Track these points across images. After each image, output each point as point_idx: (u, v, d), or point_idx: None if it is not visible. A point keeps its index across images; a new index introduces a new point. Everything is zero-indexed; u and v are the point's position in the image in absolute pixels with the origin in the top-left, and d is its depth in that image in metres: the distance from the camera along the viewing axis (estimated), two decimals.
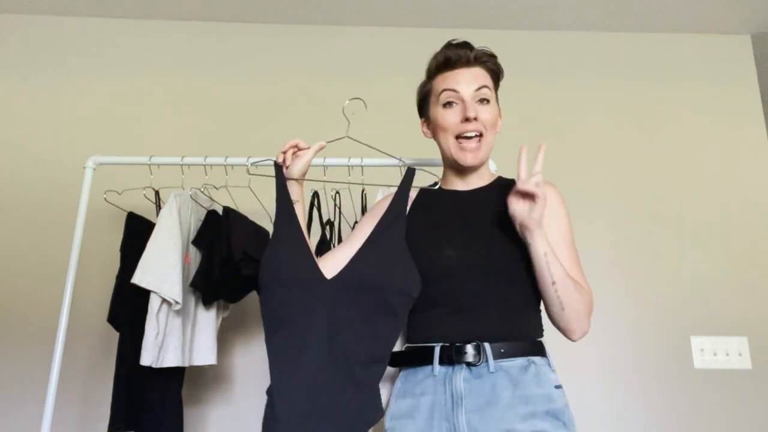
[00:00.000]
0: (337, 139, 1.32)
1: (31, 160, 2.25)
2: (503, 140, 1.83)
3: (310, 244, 1.16)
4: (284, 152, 1.20)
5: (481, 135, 1.15)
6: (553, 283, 1.05)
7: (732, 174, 2.32)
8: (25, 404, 1.97)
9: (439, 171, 1.31)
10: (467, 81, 1.15)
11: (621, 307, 2.16)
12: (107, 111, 2.33)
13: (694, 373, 2.08)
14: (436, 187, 1.26)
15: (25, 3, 2.37)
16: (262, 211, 1.79)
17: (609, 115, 2.41)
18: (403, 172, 1.28)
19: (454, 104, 1.15)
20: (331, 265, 1.12)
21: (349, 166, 1.66)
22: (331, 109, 2.39)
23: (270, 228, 1.81)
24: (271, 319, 1.10)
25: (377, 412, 1.07)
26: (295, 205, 1.18)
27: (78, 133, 2.30)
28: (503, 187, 1.21)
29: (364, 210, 1.86)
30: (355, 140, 1.37)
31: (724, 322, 2.14)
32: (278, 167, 1.21)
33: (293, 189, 1.20)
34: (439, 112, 1.17)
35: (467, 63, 1.16)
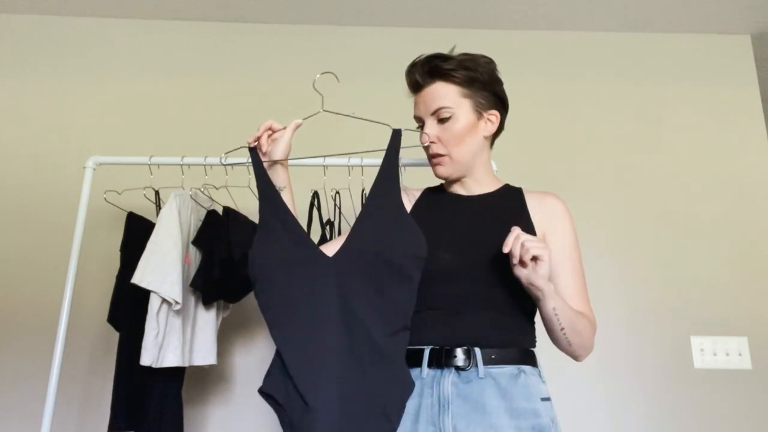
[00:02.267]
0: (312, 115, 1.27)
1: (31, 160, 2.25)
2: (503, 140, 1.83)
3: (302, 226, 1.11)
4: (258, 137, 1.15)
5: (445, 154, 1.15)
6: (562, 329, 1.04)
7: (732, 174, 2.32)
8: (25, 404, 1.97)
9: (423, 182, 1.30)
10: (423, 106, 1.16)
11: (621, 307, 2.16)
12: (107, 111, 2.33)
13: (694, 373, 2.08)
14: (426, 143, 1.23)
15: (25, 3, 2.37)
16: None
17: (609, 115, 2.41)
18: (425, 187, 1.26)
19: (422, 127, 1.18)
20: (332, 249, 1.09)
21: (349, 166, 1.66)
22: (331, 108, 2.39)
23: None
24: (273, 310, 1.02)
25: (410, 386, 1.01)
26: (282, 192, 1.12)
27: (78, 133, 2.30)
28: (509, 194, 1.20)
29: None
30: (331, 112, 1.32)
31: (724, 322, 2.14)
32: (253, 153, 1.14)
33: (279, 174, 1.14)
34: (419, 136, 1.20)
35: (422, 85, 1.16)
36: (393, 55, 2.45)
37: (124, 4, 2.37)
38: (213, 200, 1.81)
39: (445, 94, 1.14)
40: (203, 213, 1.75)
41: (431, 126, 1.15)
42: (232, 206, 1.77)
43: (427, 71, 1.15)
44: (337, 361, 0.98)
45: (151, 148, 2.13)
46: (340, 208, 1.81)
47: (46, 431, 1.47)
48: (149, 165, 1.67)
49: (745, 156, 2.34)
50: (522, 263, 0.99)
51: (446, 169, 1.16)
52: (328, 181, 1.69)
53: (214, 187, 1.78)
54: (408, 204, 1.23)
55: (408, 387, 1.02)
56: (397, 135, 1.17)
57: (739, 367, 2.09)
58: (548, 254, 0.98)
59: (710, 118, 2.40)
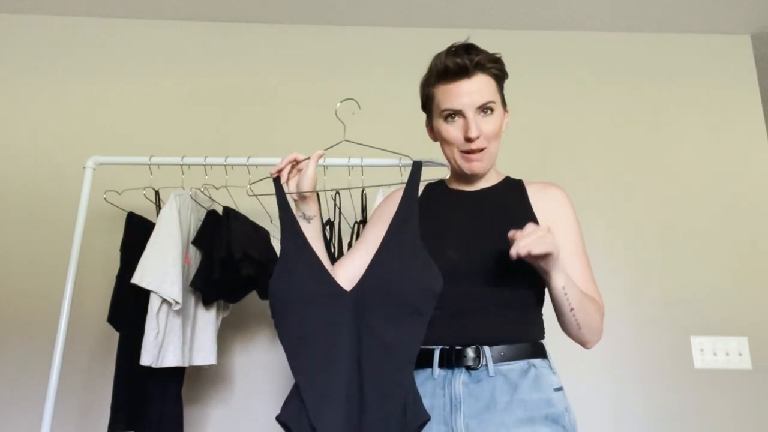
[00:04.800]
0: (334, 145, 1.29)
1: (31, 160, 2.25)
2: (502, 140, 1.82)
3: (323, 259, 1.12)
4: (281, 169, 1.15)
5: (485, 148, 1.14)
6: (572, 309, 1.04)
7: (732, 174, 2.32)
8: (25, 404, 1.97)
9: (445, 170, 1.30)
10: (469, 96, 1.11)
11: (621, 307, 2.16)
12: (107, 111, 2.33)
13: (694, 373, 2.08)
14: (447, 177, 1.22)
15: (25, 3, 2.37)
16: (262, 211, 1.79)
17: (609, 115, 2.40)
18: (404, 171, 1.26)
19: (456, 118, 1.13)
20: (347, 274, 1.11)
21: (349, 166, 1.66)
22: (332, 108, 2.39)
23: (270, 228, 1.81)
24: (291, 340, 1.06)
25: (421, 415, 1.02)
26: (312, 221, 1.13)
27: (78, 133, 2.30)
28: (510, 187, 1.20)
29: (364, 210, 1.86)
30: (353, 142, 1.33)
31: (724, 322, 2.14)
32: (277, 183, 1.15)
33: (310, 205, 1.14)
34: (441, 126, 1.15)
35: (467, 74, 1.12)
36: (393, 55, 2.45)
37: (124, 4, 2.37)
38: (213, 200, 1.81)
39: (488, 86, 1.13)
40: (203, 213, 1.75)
41: (476, 119, 1.11)
42: (232, 206, 1.77)
43: (474, 62, 1.11)
44: (345, 393, 1.01)
45: (151, 148, 2.13)
46: (340, 208, 1.81)
47: (46, 430, 1.47)
48: (149, 165, 1.67)
49: (746, 156, 2.34)
50: (534, 258, 0.98)
51: (483, 165, 1.15)
52: (328, 181, 1.69)
53: (214, 187, 1.78)
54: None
55: (422, 415, 1.01)
56: (417, 168, 1.17)
57: (739, 367, 2.09)
58: (556, 248, 0.97)
59: (710, 118, 2.40)
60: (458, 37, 1.21)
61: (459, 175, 1.21)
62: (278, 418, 1.04)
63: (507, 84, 1.20)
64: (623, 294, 2.17)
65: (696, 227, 2.25)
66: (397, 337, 1.04)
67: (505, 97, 1.19)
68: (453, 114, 1.13)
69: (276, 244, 1.78)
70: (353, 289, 1.07)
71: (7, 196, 2.21)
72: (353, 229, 1.80)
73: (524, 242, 0.95)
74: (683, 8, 2.36)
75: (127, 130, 2.31)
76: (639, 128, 2.39)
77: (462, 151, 1.15)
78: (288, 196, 1.14)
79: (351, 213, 1.87)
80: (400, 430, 1.00)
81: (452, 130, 1.14)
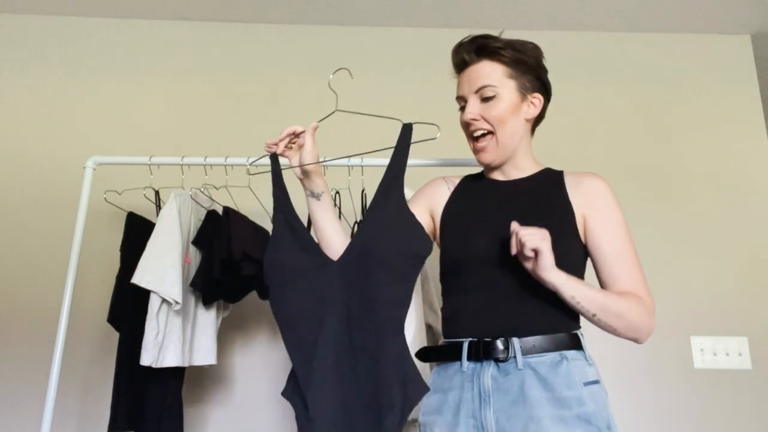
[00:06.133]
0: (328, 116, 1.26)
1: (31, 160, 2.25)
2: None
3: (339, 234, 1.10)
4: (279, 142, 1.14)
5: (490, 132, 1.13)
6: (594, 315, 1.02)
7: (732, 174, 2.32)
8: (25, 404, 1.97)
9: (463, 170, 1.33)
10: (468, 83, 1.15)
11: None
12: (107, 111, 2.33)
13: (694, 373, 2.08)
14: (437, 136, 1.22)
15: (25, 3, 2.37)
16: (262, 211, 1.79)
17: (608, 115, 2.40)
18: (464, 174, 1.26)
19: (464, 107, 1.17)
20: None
21: (349, 166, 1.66)
22: (331, 108, 2.39)
23: (270, 228, 1.81)
24: (284, 317, 1.05)
25: (419, 388, 0.99)
26: (321, 197, 1.12)
27: (78, 133, 2.29)
28: (548, 177, 1.19)
29: (364, 210, 1.86)
30: (346, 111, 1.30)
31: (724, 322, 2.14)
32: (274, 159, 1.14)
33: (315, 181, 1.13)
34: (460, 117, 1.19)
35: (468, 63, 1.15)
36: (393, 55, 2.45)
37: (124, 4, 2.37)
38: (213, 200, 1.81)
39: (490, 72, 1.13)
40: (203, 213, 1.75)
41: (474, 104, 1.13)
42: (232, 206, 1.77)
43: (474, 49, 1.14)
44: (337, 368, 0.99)
45: (151, 148, 2.13)
46: (340, 208, 1.81)
47: (46, 431, 1.47)
48: (149, 165, 1.67)
49: (746, 156, 2.34)
50: (525, 257, 0.99)
51: (489, 155, 1.15)
52: (328, 181, 1.68)
53: (214, 187, 1.78)
54: (447, 192, 1.23)
55: (417, 387, 0.99)
56: (407, 130, 1.14)
57: (739, 367, 2.09)
58: (547, 245, 0.97)
59: (710, 118, 2.39)
60: (458, 37, 1.21)
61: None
62: (282, 394, 1.04)
63: None
64: None
65: (696, 227, 2.25)
66: (382, 304, 1.01)
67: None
68: (461, 104, 1.16)
69: None
70: (340, 259, 1.06)
71: (7, 196, 2.21)
72: (353, 229, 1.80)
73: (520, 230, 0.97)
74: (683, 8, 2.36)
75: (127, 130, 2.31)
76: (638, 128, 2.39)
77: (470, 140, 1.17)
78: (293, 175, 1.13)
79: (351, 213, 1.86)
80: (400, 404, 0.97)
81: (461, 120, 1.17)
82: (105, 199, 1.83)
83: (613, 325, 1.03)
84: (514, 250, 0.99)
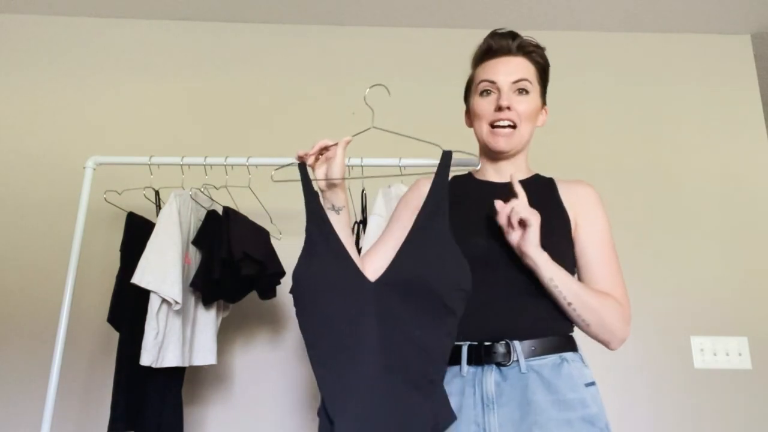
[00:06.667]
0: (363, 131, 1.24)
1: (31, 160, 2.25)
2: None
3: (351, 250, 1.07)
4: (311, 154, 1.11)
5: (514, 126, 1.13)
6: (569, 304, 1.02)
7: (732, 174, 2.32)
8: (25, 404, 1.97)
9: (463, 170, 1.30)
10: (505, 71, 1.14)
11: None
12: (107, 111, 2.33)
13: (694, 373, 2.08)
14: (478, 167, 1.21)
15: (25, 3, 2.37)
16: (262, 211, 1.79)
17: (608, 115, 2.40)
18: (404, 170, 1.24)
19: (491, 93, 1.14)
20: (373, 264, 1.07)
21: (349, 166, 1.66)
22: (331, 108, 2.40)
23: (270, 228, 1.81)
24: (311, 331, 1.01)
25: (448, 416, 0.98)
26: (341, 212, 1.10)
27: (78, 133, 2.30)
28: (540, 183, 1.19)
29: (364, 210, 1.86)
30: (383, 129, 1.28)
31: (724, 322, 2.14)
32: (303, 169, 1.11)
33: (339, 195, 1.10)
34: (476, 101, 1.17)
35: (508, 53, 1.15)
36: (393, 55, 2.45)
37: (124, 4, 2.37)
38: (213, 200, 1.81)
39: (527, 69, 1.15)
40: (203, 213, 1.75)
41: (509, 94, 1.12)
42: (232, 206, 1.77)
43: (516, 43, 1.15)
44: (368, 391, 0.97)
45: (151, 148, 2.13)
46: None
47: (46, 430, 1.47)
48: (149, 165, 1.67)
49: (746, 156, 2.34)
50: (511, 226, 1.01)
51: (510, 142, 1.14)
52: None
53: (214, 187, 1.78)
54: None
55: (446, 417, 0.98)
56: (447, 157, 1.13)
57: (739, 367, 2.09)
58: (537, 220, 1.00)
59: (710, 118, 2.39)
60: (458, 37, 1.21)
61: (488, 160, 1.20)
62: (318, 412, 1.02)
63: None
64: None
65: (696, 227, 2.25)
66: (426, 331, 0.99)
67: None
68: (489, 88, 1.14)
69: (276, 244, 1.78)
70: (378, 280, 1.03)
71: (7, 196, 2.21)
72: (353, 228, 1.80)
73: (514, 204, 0.99)
74: (683, 8, 2.36)
75: (127, 130, 2.31)
76: (638, 128, 2.39)
77: (491, 125, 1.14)
78: (315, 186, 1.10)
79: (351, 213, 1.86)
80: (432, 427, 0.95)
81: (485, 104, 1.15)
82: (105, 199, 1.83)
83: (586, 318, 1.04)
84: (503, 220, 1.01)
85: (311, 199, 1.09)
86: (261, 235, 1.75)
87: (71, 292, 1.57)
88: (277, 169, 1.28)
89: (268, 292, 1.78)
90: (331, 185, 1.09)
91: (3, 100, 2.33)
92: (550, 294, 1.03)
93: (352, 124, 1.29)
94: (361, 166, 1.66)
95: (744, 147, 2.35)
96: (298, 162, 1.12)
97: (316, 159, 1.11)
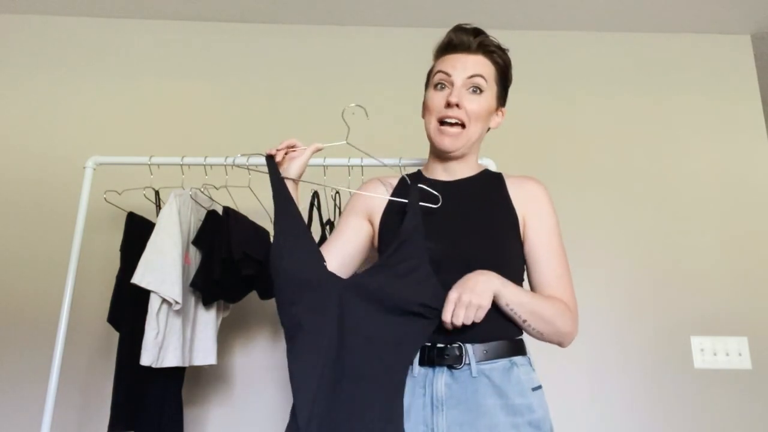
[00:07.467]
0: (335, 144, 1.26)
1: (31, 160, 2.25)
2: (500, 139, 1.82)
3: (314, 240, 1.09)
4: (278, 150, 1.13)
5: (463, 125, 1.11)
6: (524, 321, 1.03)
7: (732, 174, 2.32)
8: (25, 404, 1.97)
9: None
10: (462, 66, 1.11)
11: (621, 307, 2.15)
12: (107, 111, 2.33)
13: (694, 373, 2.08)
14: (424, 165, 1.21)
15: (25, 3, 2.37)
16: (262, 211, 1.79)
17: (608, 115, 2.40)
18: (404, 171, 1.24)
19: (444, 87, 1.13)
20: (329, 265, 1.07)
21: (349, 166, 1.66)
22: (331, 108, 2.39)
23: (270, 228, 1.81)
24: (285, 325, 1.03)
25: (398, 426, 0.98)
26: None
27: (78, 133, 2.30)
28: (489, 179, 1.18)
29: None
30: (354, 146, 1.29)
31: (724, 322, 2.14)
32: (271, 162, 1.13)
33: (289, 189, 1.11)
34: (429, 93, 1.15)
35: (468, 49, 1.12)
36: (393, 55, 2.45)
37: (124, 4, 2.37)
38: (213, 200, 1.81)
39: (485, 68, 1.13)
40: (203, 213, 1.75)
41: (461, 89, 1.11)
42: (232, 206, 1.77)
43: (477, 41, 1.13)
44: (331, 393, 0.98)
45: (151, 148, 2.13)
46: (340, 208, 1.81)
47: (46, 430, 1.47)
48: (149, 165, 1.67)
49: (745, 156, 2.34)
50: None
51: (454, 143, 1.12)
52: (328, 181, 1.69)
53: (214, 187, 1.78)
54: (386, 194, 1.20)
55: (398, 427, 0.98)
56: (416, 191, 1.13)
57: (739, 367, 2.09)
58: (488, 300, 0.97)
59: (710, 118, 2.39)
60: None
61: (436, 158, 1.19)
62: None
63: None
64: (623, 294, 2.17)
65: (696, 227, 2.25)
66: (394, 336, 1.00)
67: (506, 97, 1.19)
68: (443, 81, 1.12)
69: None
70: (346, 283, 1.04)
71: (7, 196, 2.21)
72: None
73: (460, 312, 0.95)
74: (683, 8, 2.36)
75: (127, 130, 2.31)
76: (638, 128, 2.39)
77: (439, 121, 1.13)
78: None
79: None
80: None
81: (437, 98, 1.13)
82: (105, 199, 1.83)
83: (541, 330, 1.04)
84: (457, 323, 0.97)
85: (279, 192, 1.10)
86: (261, 235, 1.75)
87: (71, 292, 1.57)
88: (246, 156, 1.29)
89: (268, 292, 1.78)
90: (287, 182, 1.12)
91: (3, 100, 2.33)
92: (506, 314, 1.03)
93: (352, 124, 1.29)
94: (361, 166, 1.66)
95: (744, 147, 2.35)
96: (267, 155, 1.14)
97: (284, 156, 1.13)
